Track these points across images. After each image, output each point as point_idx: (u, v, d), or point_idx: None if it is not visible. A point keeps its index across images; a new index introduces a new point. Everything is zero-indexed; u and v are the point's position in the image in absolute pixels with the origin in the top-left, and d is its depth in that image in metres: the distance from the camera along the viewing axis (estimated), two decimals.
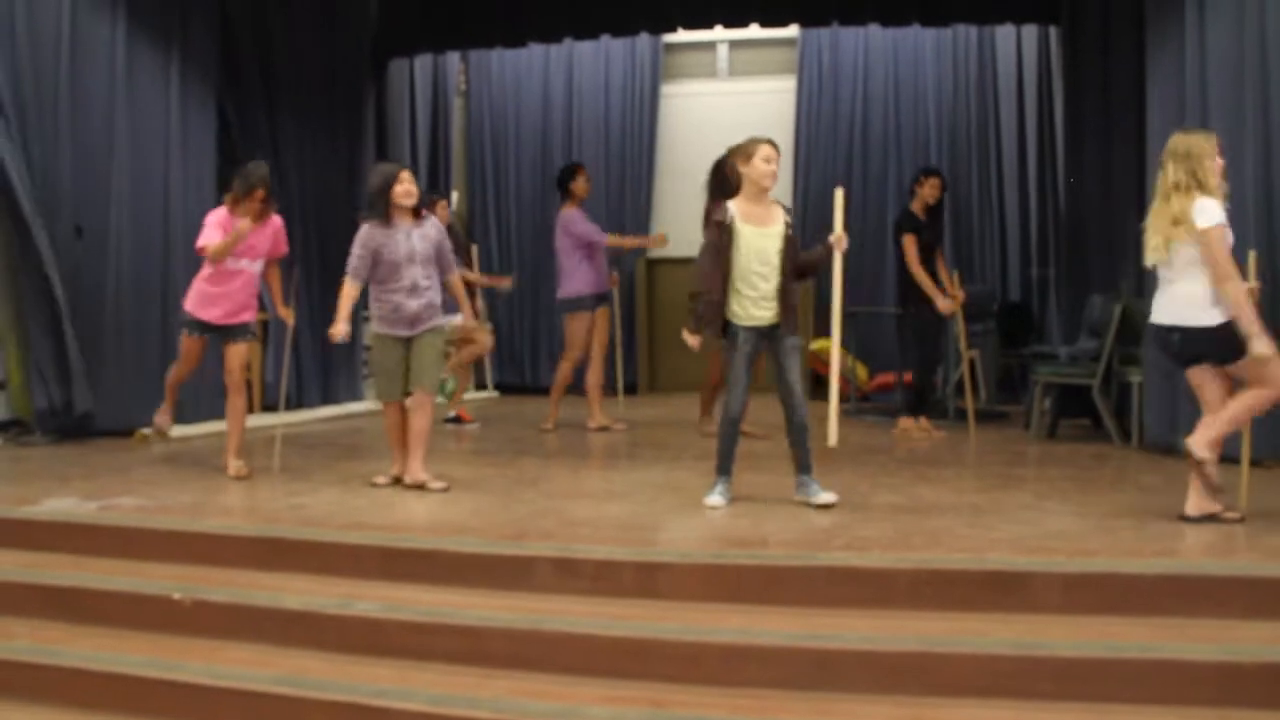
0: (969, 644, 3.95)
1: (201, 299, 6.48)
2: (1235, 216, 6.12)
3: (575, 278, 8.60)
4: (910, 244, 8.19)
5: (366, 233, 6.01)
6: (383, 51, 11.05)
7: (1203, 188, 5.04)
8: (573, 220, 8.64)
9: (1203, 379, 5.15)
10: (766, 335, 5.57)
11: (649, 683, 3.98)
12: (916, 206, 8.35)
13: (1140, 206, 7.52)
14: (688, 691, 3.92)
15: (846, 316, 10.16)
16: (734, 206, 5.56)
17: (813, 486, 5.53)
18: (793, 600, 4.33)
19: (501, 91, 12.67)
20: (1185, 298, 5.08)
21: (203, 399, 8.11)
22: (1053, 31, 10.36)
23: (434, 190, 10.10)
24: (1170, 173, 5.12)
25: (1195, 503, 5.08)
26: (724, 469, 5.64)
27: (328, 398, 9.98)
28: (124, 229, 7.90)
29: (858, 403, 10.39)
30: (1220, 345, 5.00)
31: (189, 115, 8.42)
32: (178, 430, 7.90)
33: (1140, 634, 3.99)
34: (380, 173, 6.11)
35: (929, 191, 8.34)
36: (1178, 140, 5.18)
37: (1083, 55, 9.16)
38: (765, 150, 5.56)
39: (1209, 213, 4.98)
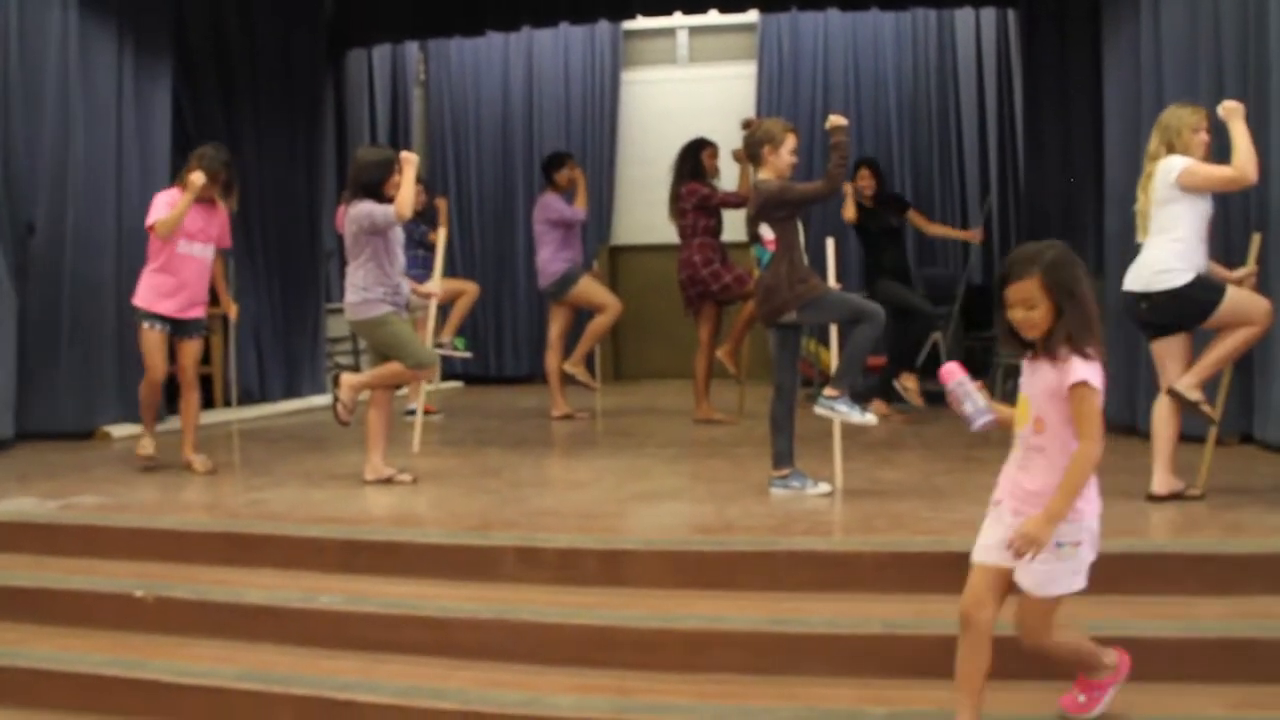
0: (933, 625, 3.96)
1: (154, 291, 6.35)
2: None
3: (558, 258, 8.65)
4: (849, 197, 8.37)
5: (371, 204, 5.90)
6: (340, 42, 10.96)
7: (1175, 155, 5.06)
8: (549, 206, 8.71)
9: (1167, 353, 5.13)
10: None
11: (614, 670, 3.99)
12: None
13: (1099, 186, 7.60)
14: (653, 678, 3.92)
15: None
16: None
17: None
18: (757, 585, 4.34)
19: (461, 81, 12.58)
20: (1150, 264, 5.09)
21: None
22: (1010, 14, 10.41)
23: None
24: (1150, 143, 5.16)
25: (1161, 480, 5.09)
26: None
27: (290, 391, 9.91)
28: (78, 225, 7.77)
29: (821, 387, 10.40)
30: (1189, 305, 5.00)
31: (143, 109, 8.31)
32: (138, 428, 7.83)
33: (1101, 612, 4.00)
34: (379, 163, 5.98)
35: (861, 183, 8.44)
36: (1164, 112, 5.23)
37: (1040, 38, 9.20)
38: (793, 141, 5.54)
39: (1175, 163, 5.00)
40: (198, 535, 5.05)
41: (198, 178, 6.26)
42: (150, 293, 6.36)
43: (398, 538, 4.83)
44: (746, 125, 6.02)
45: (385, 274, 5.93)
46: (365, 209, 5.85)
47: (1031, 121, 9.48)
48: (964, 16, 11.41)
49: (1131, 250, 5.35)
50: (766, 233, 5.56)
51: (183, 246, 6.33)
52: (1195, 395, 5.03)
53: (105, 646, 4.43)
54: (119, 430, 7.82)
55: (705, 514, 5.12)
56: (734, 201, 7.88)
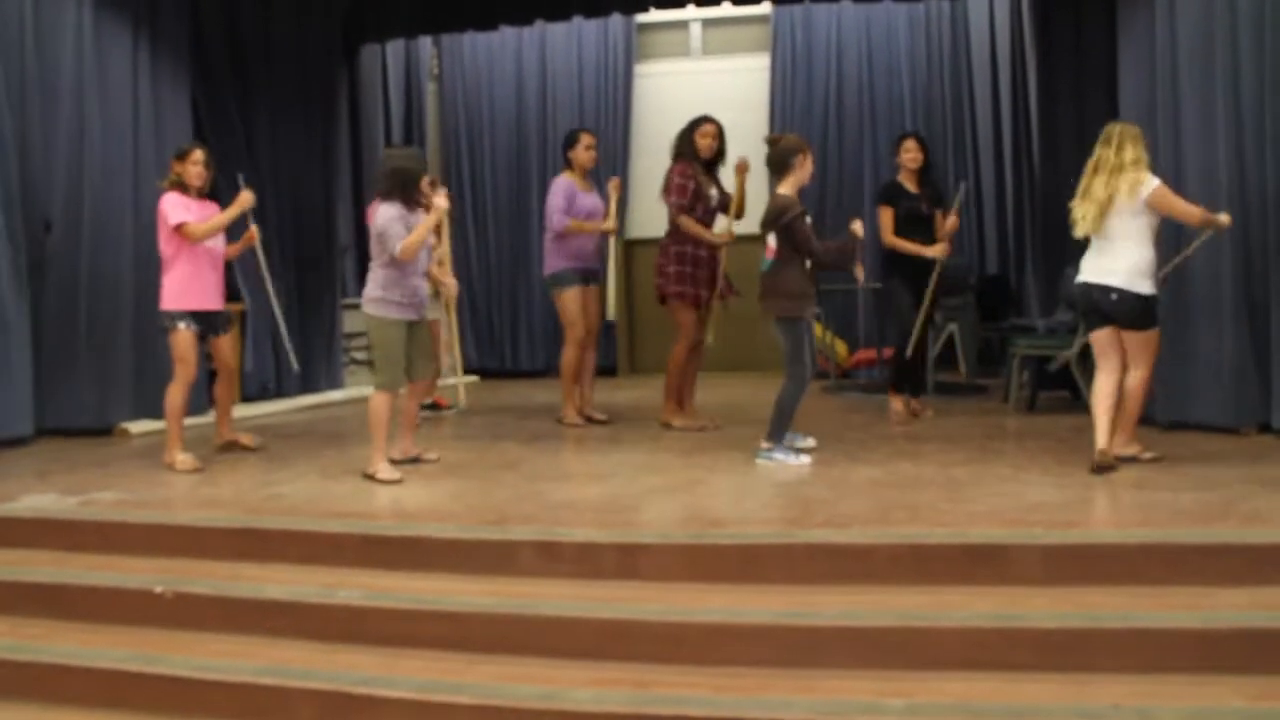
0: (950, 617, 3.97)
1: (178, 290, 6.44)
2: (1206, 180, 6.27)
3: (553, 252, 8.00)
4: (884, 215, 7.89)
5: (398, 213, 5.96)
6: (354, 37, 10.98)
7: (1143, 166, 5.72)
8: (552, 191, 8.02)
9: (1110, 344, 5.74)
10: None
11: (632, 664, 3.99)
12: (901, 176, 8.08)
13: None
14: (671, 672, 3.92)
15: (824, 293, 10.26)
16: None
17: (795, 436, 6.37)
18: (774, 578, 4.34)
19: (475, 75, 12.61)
20: (1130, 266, 5.66)
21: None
22: (1024, 3, 10.35)
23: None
24: (1128, 151, 5.69)
25: (1119, 442, 5.72)
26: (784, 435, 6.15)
27: (307, 387, 9.93)
28: (95, 223, 7.80)
29: (837, 379, 10.40)
30: (1141, 311, 5.66)
31: (160, 106, 8.33)
32: (156, 424, 7.86)
33: (1119, 603, 4.01)
34: (412, 162, 6.17)
35: (905, 157, 8.05)
36: (1128, 127, 5.85)
37: (1054, 25, 9.15)
38: (812, 157, 6.29)
39: (1153, 180, 5.64)
40: (216, 531, 5.07)
41: (248, 198, 6.62)
42: (175, 293, 6.45)
43: (416, 532, 4.83)
44: (773, 142, 6.39)
45: (404, 276, 6.03)
46: (385, 220, 5.92)
47: (1046, 111, 9.44)
48: (977, 6, 11.39)
49: None
50: (770, 240, 6.11)
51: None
52: (1132, 450, 5.82)
53: (125, 642, 4.45)
54: (137, 426, 7.85)
55: (721, 507, 5.12)
56: (684, 222, 7.53)
